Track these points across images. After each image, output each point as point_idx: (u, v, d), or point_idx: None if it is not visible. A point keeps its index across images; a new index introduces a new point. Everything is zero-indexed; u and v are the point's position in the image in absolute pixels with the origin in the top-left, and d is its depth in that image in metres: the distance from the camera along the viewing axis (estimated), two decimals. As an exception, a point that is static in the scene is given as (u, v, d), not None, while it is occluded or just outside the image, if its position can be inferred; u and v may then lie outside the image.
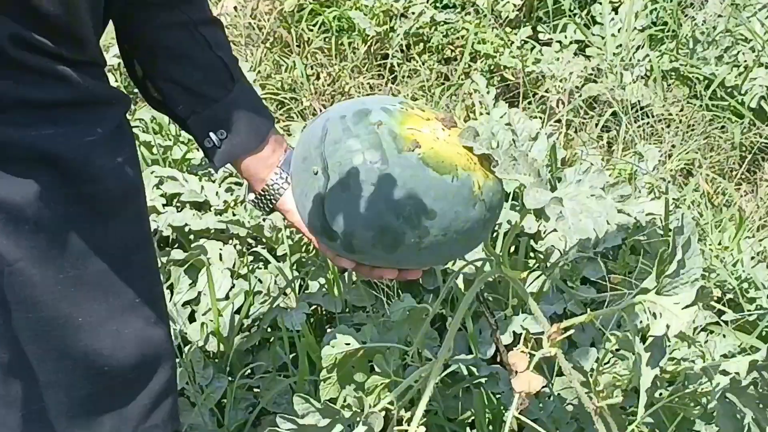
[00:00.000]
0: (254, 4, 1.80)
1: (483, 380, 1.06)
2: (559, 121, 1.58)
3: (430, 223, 0.60)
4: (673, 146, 1.42)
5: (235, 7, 1.79)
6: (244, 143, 0.67)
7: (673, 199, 1.22)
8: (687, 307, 0.59)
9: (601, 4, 1.82)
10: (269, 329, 1.16)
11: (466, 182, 0.61)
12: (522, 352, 0.69)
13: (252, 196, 0.71)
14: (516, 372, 0.66)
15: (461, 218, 0.62)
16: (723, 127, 1.58)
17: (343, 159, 0.59)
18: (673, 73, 1.72)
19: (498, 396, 1.06)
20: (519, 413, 0.67)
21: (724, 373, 0.75)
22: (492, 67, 1.77)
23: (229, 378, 1.08)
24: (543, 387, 0.67)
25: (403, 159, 0.59)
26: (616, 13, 1.81)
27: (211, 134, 0.66)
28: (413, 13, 1.80)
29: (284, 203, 0.69)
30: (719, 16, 1.67)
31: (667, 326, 0.59)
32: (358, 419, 0.67)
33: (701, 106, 1.59)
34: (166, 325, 0.67)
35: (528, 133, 0.70)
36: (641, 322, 0.65)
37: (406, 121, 0.63)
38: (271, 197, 0.69)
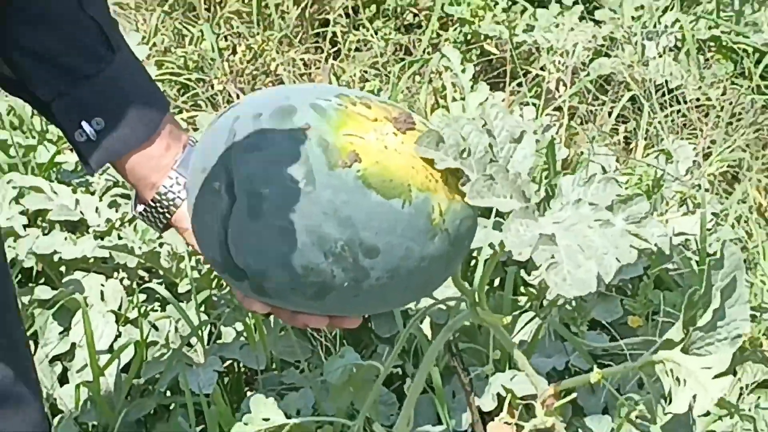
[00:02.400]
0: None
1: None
2: (559, 108, 1.29)
3: (370, 263, 0.47)
4: (713, 142, 1.13)
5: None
6: (128, 136, 0.52)
7: (713, 213, 0.98)
8: (720, 375, 0.50)
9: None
10: (168, 393, 0.94)
11: (422, 208, 0.48)
12: (506, 423, 0.63)
13: (141, 207, 0.56)
14: (498, 451, 0.60)
15: (415, 256, 0.49)
16: (780, 116, 1.34)
17: (255, 175, 0.47)
18: (712, 44, 1.39)
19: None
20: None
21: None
22: (469, 37, 1.44)
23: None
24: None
25: (335, 178, 0.46)
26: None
27: (84, 124, 0.51)
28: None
29: (182, 219, 0.54)
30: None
31: (693, 400, 0.51)
32: None
33: (750, 88, 1.29)
34: (35, 390, 0.54)
35: (510, 133, 0.53)
36: (666, 384, 0.57)
37: (344, 123, 0.48)
38: (165, 210, 0.55)
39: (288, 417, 0.78)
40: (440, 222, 0.49)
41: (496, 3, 1.43)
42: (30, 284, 0.95)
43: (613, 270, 0.46)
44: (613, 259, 0.45)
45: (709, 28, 1.34)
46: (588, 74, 1.25)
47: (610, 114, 1.20)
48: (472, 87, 1.03)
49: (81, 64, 0.50)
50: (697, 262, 0.92)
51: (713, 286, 0.51)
